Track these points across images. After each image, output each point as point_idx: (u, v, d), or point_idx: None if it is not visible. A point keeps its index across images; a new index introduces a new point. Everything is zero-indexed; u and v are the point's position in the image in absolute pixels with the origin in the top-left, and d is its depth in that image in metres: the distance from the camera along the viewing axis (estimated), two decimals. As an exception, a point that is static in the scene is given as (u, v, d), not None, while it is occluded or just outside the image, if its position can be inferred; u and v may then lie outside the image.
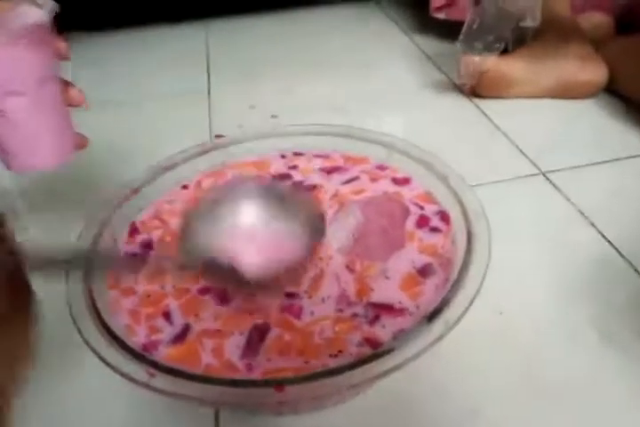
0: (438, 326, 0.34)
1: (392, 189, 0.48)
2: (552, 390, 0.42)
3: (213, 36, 1.13)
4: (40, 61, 0.37)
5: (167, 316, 0.39)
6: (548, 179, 0.64)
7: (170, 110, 0.86)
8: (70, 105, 0.41)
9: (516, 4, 0.72)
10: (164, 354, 0.36)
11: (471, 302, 0.35)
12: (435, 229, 0.44)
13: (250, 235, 0.40)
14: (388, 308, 0.38)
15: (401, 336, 0.35)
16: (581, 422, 0.40)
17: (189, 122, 0.82)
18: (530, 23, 0.75)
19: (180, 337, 0.37)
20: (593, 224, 0.56)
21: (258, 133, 0.55)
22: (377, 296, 0.39)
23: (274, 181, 0.44)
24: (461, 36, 0.74)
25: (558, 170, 0.65)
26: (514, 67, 0.76)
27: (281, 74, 0.94)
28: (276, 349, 0.36)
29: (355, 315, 0.38)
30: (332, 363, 0.35)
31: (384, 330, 0.37)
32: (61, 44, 0.39)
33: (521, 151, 0.69)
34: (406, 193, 0.48)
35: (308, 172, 0.52)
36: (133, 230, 0.47)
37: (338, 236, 0.43)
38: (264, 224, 0.41)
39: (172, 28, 1.18)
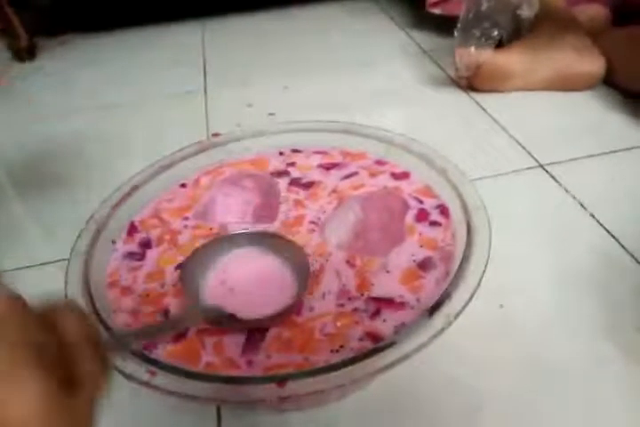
0: (439, 319, 0.34)
1: (391, 183, 0.48)
2: (553, 382, 0.42)
3: (209, 34, 1.13)
4: None
5: (167, 314, 0.38)
6: (546, 171, 0.63)
7: (167, 110, 0.86)
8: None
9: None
10: (164, 352, 0.36)
11: (472, 296, 0.35)
12: (434, 223, 0.44)
13: (243, 287, 0.41)
14: (388, 302, 0.38)
15: (402, 330, 0.35)
16: (583, 415, 0.40)
17: (186, 121, 0.82)
18: (527, 11, 0.75)
19: (180, 335, 0.37)
20: (593, 215, 0.56)
21: (255, 131, 0.55)
22: (377, 291, 0.39)
23: (264, 233, 0.45)
24: (459, 25, 0.74)
25: (557, 162, 0.65)
26: (510, 59, 0.76)
27: (277, 72, 0.94)
28: (277, 346, 0.36)
29: (355, 309, 0.38)
30: (334, 358, 0.35)
31: (385, 324, 0.37)
32: None
33: (519, 144, 0.69)
34: (405, 187, 0.48)
35: (306, 168, 0.52)
36: (132, 229, 0.47)
37: (337, 231, 0.43)
38: (256, 274, 0.41)
39: (168, 27, 1.18)
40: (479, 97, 0.80)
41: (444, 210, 0.45)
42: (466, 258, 0.38)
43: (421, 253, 0.41)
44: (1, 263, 0.58)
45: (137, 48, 1.11)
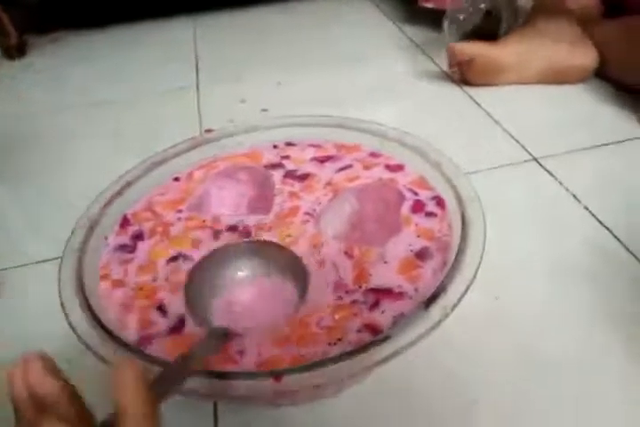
0: (436, 311, 0.33)
1: (386, 175, 0.48)
2: (547, 373, 0.42)
3: (201, 30, 1.12)
4: None
5: (161, 308, 0.38)
6: (540, 164, 0.63)
7: (159, 106, 0.86)
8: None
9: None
10: (160, 348, 0.35)
11: (468, 288, 0.35)
12: (430, 214, 0.43)
13: (248, 308, 0.40)
14: (387, 292, 0.38)
15: (399, 322, 0.35)
16: (577, 406, 0.40)
17: (179, 117, 0.81)
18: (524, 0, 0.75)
19: (176, 330, 0.36)
20: (586, 208, 0.56)
21: (249, 126, 0.55)
22: (376, 281, 0.39)
23: (261, 242, 0.43)
24: (446, 18, 0.74)
25: (550, 155, 0.65)
26: (503, 53, 0.76)
27: (270, 67, 0.93)
28: (272, 339, 0.36)
29: (354, 302, 0.37)
30: (332, 351, 0.34)
31: (384, 315, 0.36)
32: None
33: (513, 138, 0.69)
34: (400, 179, 0.47)
35: (300, 161, 0.51)
36: (124, 222, 0.46)
37: (333, 223, 0.42)
38: (255, 288, 0.41)
39: (160, 23, 1.17)
40: (472, 91, 0.79)
41: (439, 201, 0.44)
42: (461, 250, 0.38)
43: (418, 243, 0.41)
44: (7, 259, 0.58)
45: (128, 44, 1.10)
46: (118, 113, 0.85)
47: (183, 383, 0.29)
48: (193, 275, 0.40)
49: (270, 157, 0.52)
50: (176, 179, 0.51)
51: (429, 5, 0.96)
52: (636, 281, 0.48)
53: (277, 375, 0.30)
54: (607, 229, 0.53)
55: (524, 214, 0.56)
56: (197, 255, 0.42)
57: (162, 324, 0.37)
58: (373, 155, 0.51)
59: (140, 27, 1.16)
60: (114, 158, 0.72)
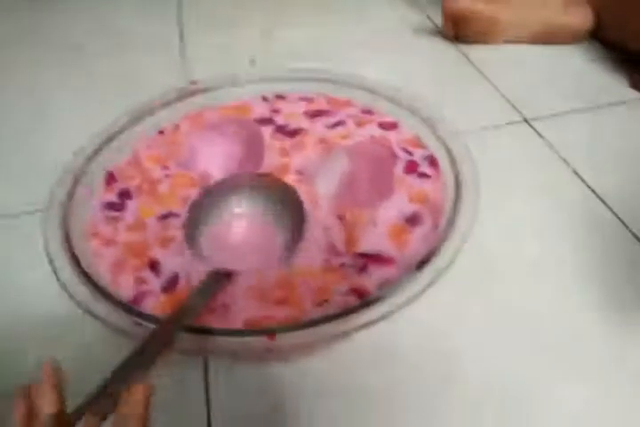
0: (428, 274, 0.33)
1: (379, 133, 0.47)
2: (530, 330, 0.43)
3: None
4: None
5: (154, 266, 0.38)
6: (531, 126, 0.63)
7: (141, 56, 0.82)
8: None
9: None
10: (154, 305, 0.35)
11: (459, 250, 0.35)
12: (423, 175, 0.43)
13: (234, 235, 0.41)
14: (375, 257, 0.38)
15: (390, 285, 0.35)
16: (557, 359, 0.41)
17: (162, 68, 0.78)
18: None
19: (170, 287, 0.36)
20: (575, 171, 0.56)
21: (238, 78, 0.53)
22: (365, 246, 0.39)
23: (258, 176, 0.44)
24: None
25: (541, 117, 0.64)
26: (500, 11, 0.74)
27: (258, 18, 0.90)
28: (257, 297, 0.36)
29: (342, 265, 0.37)
30: (317, 312, 0.34)
31: (370, 280, 0.37)
32: None
33: (505, 98, 0.68)
34: (393, 137, 0.47)
35: (291, 115, 0.50)
36: (110, 179, 0.45)
37: (325, 183, 0.42)
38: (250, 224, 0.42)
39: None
40: (466, 48, 0.78)
41: (433, 161, 0.44)
42: (455, 211, 0.37)
43: (410, 208, 0.41)
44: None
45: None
46: (97, 62, 0.82)
47: (175, 338, 0.29)
48: (193, 204, 0.41)
49: (260, 110, 0.51)
50: (161, 132, 0.49)
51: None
52: (622, 245, 0.49)
53: (271, 333, 0.31)
54: (595, 193, 0.54)
55: (513, 177, 0.56)
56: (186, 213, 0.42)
57: (155, 282, 0.37)
58: (366, 111, 0.50)
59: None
60: (94, 110, 0.69)
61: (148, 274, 0.37)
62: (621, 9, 0.72)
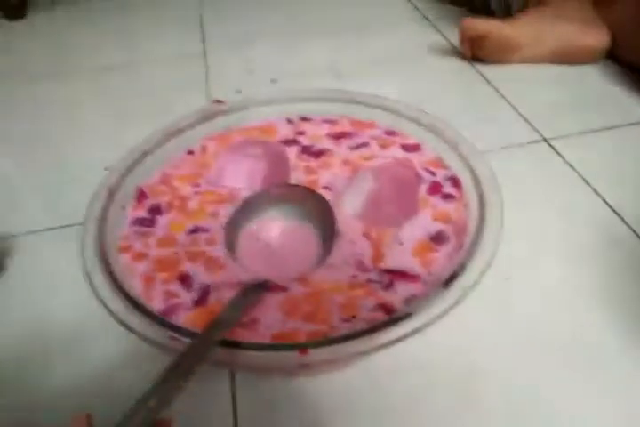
0: (455, 291, 0.34)
1: (402, 155, 0.48)
2: (553, 354, 0.43)
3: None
4: None
5: (184, 280, 0.39)
6: (550, 146, 0.64)
7: (165, 73, 0.84)
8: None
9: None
10: (185, 318, 0.36)
11: (487, 267, 0.35)
12: (448, 196, 0.44)
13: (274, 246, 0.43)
14: (402, 274, 0.38)
15: (417, 302, 0.35)
16: (584, 386, 0.41)
17: (186, 86, 0.80)
18: None
19: (201, 301, 0.37)
20: (595, 191, 0.57)
21: (262, 99, 0.55)
22: (391, 262, 0.39)
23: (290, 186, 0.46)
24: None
25: (560, 137, 0.65)
26: (517, 31, 0.75)
27: (278, 37, 0.92)
28: (285, 311, 0.37)
29: (369, 280, 0.38)
30: (345, 328, 0.35)
31: (397, 296, 0.37)
32: None
33: (523, 117, 0.69)
34: (417, 159, 0.48)
35: (315, 137, 0.51)
36: (141, 195, 0.46)
37: (352, 201, 0.43)
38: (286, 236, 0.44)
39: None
40: (483, 68, 0.79)
41: (456, 182, 0.45)
42: (479, 231, 0.38)
43: (434, 227, 0.42)
44: (11, 227, 0.58)
45: (131, 6, 1.08)
46: (123, 79, 0.84)
47: (212, 351, 0.30)
48: (231, 215, 0.44)
49: (285, 131, 0.52)
50: (190, 152, 0.51)
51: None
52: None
53: (303, 348, 0.31)
54: (615, 212, 0.54)
55: (533, 196, 0.57)
56: (215, 228, 0.43)
57: (186, 296, 0.38)
58: (389, 133, 0.51)
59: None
60: (121, 127, 0.72)
61: (178, 288, 0.38)
62: (637, 30, 0.73)
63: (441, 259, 0.39)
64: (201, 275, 0.39)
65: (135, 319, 0.34)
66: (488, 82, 0.76)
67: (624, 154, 0.62)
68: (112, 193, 0.44)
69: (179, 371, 0.28)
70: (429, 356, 0.42)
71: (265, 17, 0.99)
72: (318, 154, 0.49)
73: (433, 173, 0.46)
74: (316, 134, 0.51)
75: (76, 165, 0.66)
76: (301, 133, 0.52)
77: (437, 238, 0.41)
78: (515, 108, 0.70)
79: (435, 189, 0.44)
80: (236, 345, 0.32)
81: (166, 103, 0.75)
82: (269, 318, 0.36)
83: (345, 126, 0.52)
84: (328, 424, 0.39)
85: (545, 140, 0.65)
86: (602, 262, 0.50)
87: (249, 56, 0.87)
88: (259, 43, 0.91)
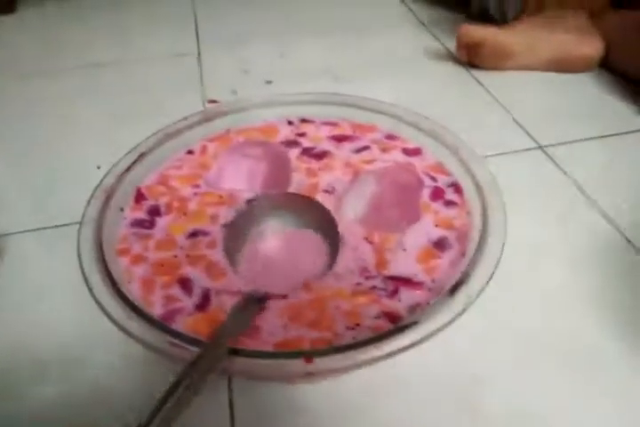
0: (460, 299, 0.34)
1: (403, 159, 0.48)
2: (555, 359, 0.43)
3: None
4: None
5: (184, 284, 0.38)
6: (545, 153, 0.64)
7: (160, 72, 0.83)
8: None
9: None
10: (186, 323, 0.35)
11: (492, 276, 0.35)
12: (450, 203, 0.44)
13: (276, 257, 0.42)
14: (406, 281, 0.38)
15: (424, 309, 0.35)
16: (584, 390, 0.41)
17: (181, 85, 0.80)
18: None
19: (202, 306, 0.36)
20: (590, 198, 0.57)
21: (263, 101, 0.54)
22: (394, 269, 0.39)
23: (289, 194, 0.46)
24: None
25: (555, 144, 0.65)
26: (512, 38, 0.75)
27: (273, 38, 0.91)
28: (288, 318, 0.36)
29: (374, 287, 0.38)
30: (349, 336, 0.35)
31: (401, 304, 0.37)
32: None
33: (519, 124, 0.69)
34: (418, 164, 0.47)
35: (316, 139, 0.51)
36: (139, 196, 0.45)
37: (354, 205, 0.42)
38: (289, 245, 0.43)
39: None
40: (478, 74, 0.79)
41: (457, 188, 0.45)
42: (483, 239, 0.38)
43: (436, 233, 0.41)
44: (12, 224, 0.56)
45: (124, 3, 1.06)
46: (116, 77, 0.83)
47: (222, 361, 0.29)
48: (229, 224, 0.43)
49: (286, 133, 0.52)
50: (190, 152, 0.50)
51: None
52: (637, 270, 0.49)
53: (308, 356, 0.31)
54: (610, 220, 0.55)
55: (528, 203, 0.57)
56: (215, 231, 0.42)
57: (186, 300, 0.37)
58: (389, 137, 0.51)
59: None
60: (114, 125, 0.70)
61: (178, 292, 0.38)
62: (630, 38, 0.74)
63: (444, 266, 0.39)
64: (202, 279, 0.38)
65: (134, 324, 0.33)
66: (484, 88, 0.76)
67: (618, 162, 0.63)
68: (110, 194, 0.43)
69: (188, 383, 0.27)
70: (432, 364, 0.42)
71: (259, 17, 0.99)
72: (320, 156, 0.49)
73: (434, 179, 0.46)
74: (317, 136, 0.51)
75: (68, 164, 0.65)
76: (302, 135, 0.51)
77: (440, 245, 0.40)
78: (510, 115, 0.71)
79: (437, 194, 0.44)
80: (239, 353, 0.31)
81: (160, 102, 0.74)
82: (272, 324, 0.36)
83: (346, 129, 0.52)
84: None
85: (540, 147, 0.65)
86: (597, 269, 0.50)
87: (243, 56, 0.86)
88: (253, 43, 0.90)
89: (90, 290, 0.35)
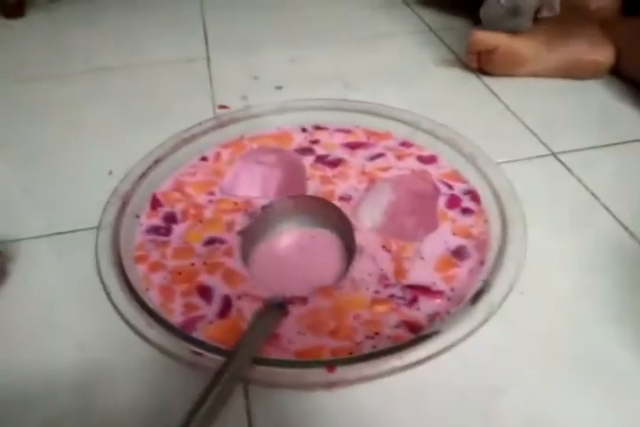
0: (482, 308, 0.34)
1: (418, 167, 0.48)
2: (570, 369, 0.43)
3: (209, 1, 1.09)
4: None
5: (203, 292, 0.38)
6: (559, 160, 0.64)
7: (169, 77, 0.83)
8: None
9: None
10: (206, 331, 0.35)
11: (513, 285, 0.35)
12: (467, 211, 0.43)
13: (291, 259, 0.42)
14: (425, 290, 0.38)
15: (445, 319, 0.35)
16: (605, 399, 0.41)
17: (190, 90, 0.79)
18: (546, 14, 0.75)
19: (224, 313, 0.36)
20: (605, 206, 0.57)
21: (276, 107, 0.54)
22: (413, 278, 0.39)
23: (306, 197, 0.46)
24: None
25: (568, 151, 0.65)
26: (525, 45, 0.75)
27: (282, 44, 0.91)
28: (306, 327, 0.36)
29: (392, 296, 0.38)
30: (368, 345, 0.35)
31: (420, 312, 0.37)
32: None
33: (531, 131, 0.69)
34: (434, 171, 0.47)
35: (330, 146, 0.51)
36: (155, 203, 0.45)
37: (371, 213, 0.42)
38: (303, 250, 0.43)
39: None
40: (489, 80, 0.79)
41: (474, 196, 0.45)
42: (503, 247, 0.38)
43: (455, 241, 0.41)
44: (12, 232, 0.56)
45: (131, 6, 1.06)
46: (124, 81, 0.83)
47: (247, 369, 0.29)
48: (246, 228, 0.43)
49: (299, 140, 0.52)
50: (204, 158, 0.50)
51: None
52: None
53: (331, 365, 0.31)
54: (625, 227, 0.54)
55: (543, 210, 0.56)
56: (232, 238, 0.42)
57: (206, 308, 0.37)
58: (404, 144, 0.51)
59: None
60: (124, 130, 0.70)
61: (198, 300, 0.37)
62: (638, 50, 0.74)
63: (462, 275, 0.39)
64: (220, 287, 0.38)
65: (154, 331, 0.33)
66: (494, 94, 0.76)
67: (631, 169, 0.62)
68: (126, 200, 0.43)
69: (216, 394, 0.27)
70: (452, 374, 0.42)
71: (268, 22, 0.99)
72: (334, 164, 0.49)
73: (450, 187, 0.46)
74: (331, 143, 0.51)
75: (77, 169, 0.64)
76: (316, 142, 0.51)
77: (459, 253, 0.40)
78: (522, 122, 0.70)
79: (454, 202, 0.44)
80: (261, 361, 0.31)
81: (170, 107, 0.74)
82: (291, 332, 0.35)
83: (360, 136, 0.52)
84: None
85: (553, 154, 0.65)
86: (614, 277, 0.50)
87: (253, 61, 0.86)
88: (262, 48, 0.90)
89: (107, 295, 0.35)
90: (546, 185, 0.60)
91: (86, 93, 0.80)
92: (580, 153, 0.65)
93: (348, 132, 0.52)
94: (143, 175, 0.45)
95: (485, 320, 0.33)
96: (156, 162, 0.47)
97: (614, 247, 0.53)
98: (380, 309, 0.37)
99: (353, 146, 0.50)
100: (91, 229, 0.40)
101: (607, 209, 0.57)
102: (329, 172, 0.48)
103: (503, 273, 0.36)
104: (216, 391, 0.27)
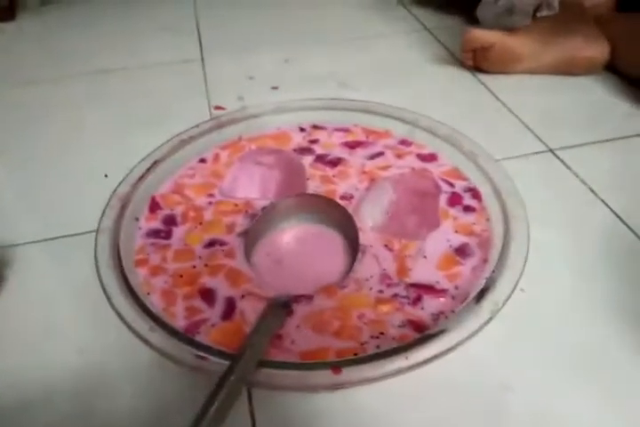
0: (487, 307, 0.34)
1: (418, 165, 0.48)
2: (572, 364, 0.43)
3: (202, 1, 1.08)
4: None
5: (206, 295, 0.37)
6: (556, 156, 0.64)
7: (164, 79, 0.83)
8: None
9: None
10: (209, 334, 0.35)
11: (517, 282, 0.35)
12: (468, 208, 0.43)
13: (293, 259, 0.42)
14: (428, 288, 0.38)
15: (450, 317, 0.35)
16: (605, 398, 0.41)
17: (186, 92, 0.79)
18: (546, 12, 0.75)
19: (228, 315, 0.36)
20: (603, 201, 0.57)
21: (274, 107, 0.54)
22: (416, 276, 0.39)
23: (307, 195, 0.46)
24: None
25: (565, 147, 0.65)
26: (520, 42, 0.75)
27: (276, 44, 0.91)
28: (311, 328, 0.36)
29: (395, 295, 0.37)
30: (375, 344, 0.34)
31: (424, 311, 0.37)
32: None
33: (528, 128, 0.69)
34: (434, 169, 0.47)
35: (329, 146, 0.51)
36: (154, 205, 0.45)
37: (372, 213, 0.42)
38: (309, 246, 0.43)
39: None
40: (484, 78, 0.79)
41: (475, 194, 0.44)
42: (506, 245, 0.38)
43: (457, 239, 0.41)
44: (9, 237, 0.55)
45: (123, 9, 1.06)
46: (121, 83, 0.82)
47: (252, 373, 0.29)
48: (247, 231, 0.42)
49: (298, 140, 0.52)
50: (202, 160, 0.50)
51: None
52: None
53: (336, 367, 0.30)
54: (624, 223, 0.54)
55: (542, 206, 0.56)
56: (233, 240, 0.42)
57: (209, 311, 0.36)
58: (403, 142, 0.51)
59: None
60: (121, 133, 0.70)
61: (200, 303, 0.37)
62: (636, 45, 0.74)
63: (466, 273, 0.39)
64: (223, 289, 0.38)
65: (156, 336, 0.33)
66: (490, 92, 0.76)
67: (628, 164, 0.62)
68: (125, 203, 0.42)
69: (222, 398, 0.27)
70: (459, 372, 0.41)
71: (262, 22, 0.98)
72: (334, 163, 0.48)
73: (451, 184, 0.46)
74: (330, 142, 0.51)
75: (74, 171, 0.63)
76: (315, 142, 0.51)
77: (461, 251, 0.40)
78: (518, 118, 0.70)
79: (455, 200, 0.44)
80: (265, 364, 0.31)
81: (166, 109, 0.74)
82: (294, 333, 0.35)
83: (358, 135, 0.52)
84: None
85: (551, 150, 0.65)
86: (613, 273, 0.50)
87: (247, 61, 0.86)
88: (257, 48, 0.89)
89: (108, 299, 0.35)
90: (544, 181, 0.60)
91: (82, 96, 0.80)
92: (576, 149, 0.65)
93: (346, 131, 0.52)
94: (142, 178, 0.45)
95: (490, 318, 0.33)
96: (155, 164, 0.46)
97: (614, 243, 0.53)
98: (385, 308, 0.37)
99: (352, 145, 0.50)
100: (89, 232, 0.39)
101: (606, 204, 0.57)
102: (329, 171, 0.48)
103: (507, 271, 0.35)
104: (223, 394, 0.27)
